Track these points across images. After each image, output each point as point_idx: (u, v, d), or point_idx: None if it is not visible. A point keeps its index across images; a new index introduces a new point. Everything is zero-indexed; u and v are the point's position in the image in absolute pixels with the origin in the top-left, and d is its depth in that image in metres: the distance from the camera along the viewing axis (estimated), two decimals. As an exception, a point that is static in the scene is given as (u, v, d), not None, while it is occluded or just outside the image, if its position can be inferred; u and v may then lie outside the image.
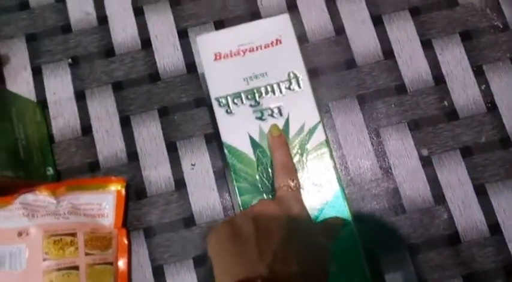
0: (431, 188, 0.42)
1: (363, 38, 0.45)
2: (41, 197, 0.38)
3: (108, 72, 0.46)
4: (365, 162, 0.43)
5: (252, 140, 0.35)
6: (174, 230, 0.42)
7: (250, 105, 0.36)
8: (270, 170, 0.35)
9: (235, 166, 0.35)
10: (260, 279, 0.25)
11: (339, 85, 0.44)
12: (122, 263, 0.39)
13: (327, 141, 0.35)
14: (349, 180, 0.42)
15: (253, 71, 0.37)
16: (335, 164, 0.35)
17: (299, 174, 0.34)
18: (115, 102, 0.45)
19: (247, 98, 0.36)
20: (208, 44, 0.37)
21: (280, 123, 0.35)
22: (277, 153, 0.34)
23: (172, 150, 0.44)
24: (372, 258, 0.40)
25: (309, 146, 0.35)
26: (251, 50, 0.37)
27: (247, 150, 0.35)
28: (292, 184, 0.32)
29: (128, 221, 0.42)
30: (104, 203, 0.41)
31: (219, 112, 0.36)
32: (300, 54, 0.37)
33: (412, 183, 0.42)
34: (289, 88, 0.36)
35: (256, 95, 0.36)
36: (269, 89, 0.36)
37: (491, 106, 0.43)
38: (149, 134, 0.44)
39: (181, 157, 0.44)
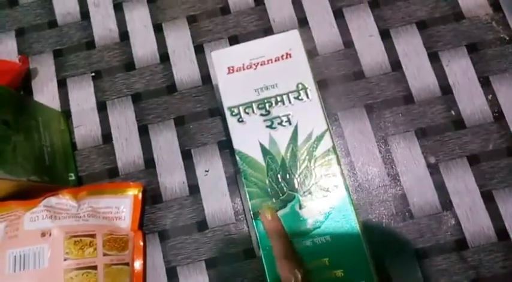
0: (439, 195, 0.42)
1: (371, 51, 0.47)
2: (64, 200, 0.41)
3: (128, 85, 0.49)
4: (373, 169, 0.44)
5: (262, 147, 0.37)
6: (187, 233, 0.43)
7: (261, 115, 0.38)
8: (279, 176, 0.36)
9: (246, 172, 0.37)
10: None
11: (347, 95, 0.46)
12: (137, 264, 0.41)
13: (334, 148, 0.36)
14: (357, 186, 0.43)
15: (264, 82, 0.39)
16: (342, 170, 0.36)
17: (307, 181, 0.36)
18: (134, 113, 0.48)
19: (258, 107, 0.38)
20: (223, 58, 0.40)
21: (290, 131, 0.37)
22: (276, 243, 0.34)
23: (187, 157, 0.46)
24: (380, 263, 0.41)
25: (316, 153, 0.37)
26: (262, 64, 0.39)
27: (258, 156, 0.37)
28: (294, 280, 0.33)
29: (144, 224, 0.44)
30: (121, 207, 0.43)
31: (232, 121, 0.38)
32: (308, 67, 0.39)
33: (420, 190, 0.43)
34: (297, 98, 0.38)
35: (267, 105, 0.38)
36: (279, 99, 0.38)
37: (499, 115, 0.44)
38: (166, 142, 0.47)
39: (196, 164, 0.46)
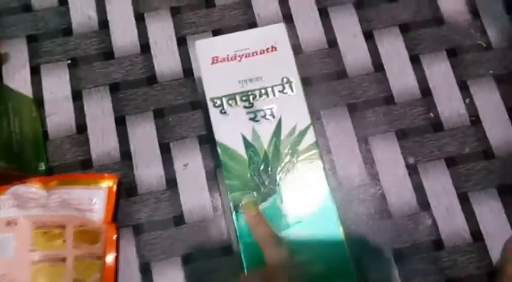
0: (417, 195, 0.43)
1: (354, 51, 0.47)
2: (33, 189, 0.39)
3: (106, 74, 0.47)
4: (353, 168, 0.44)
5: (244, 139, 0.36)
6: (163, 228, 0.42)
7: (244, 107, 0.37)
8: (260, 169, 0.36)
9: (227, 164, 0.36)
10: None
11: (330, 94, 0.46)
12: (109, 258, 0.39)
13: (317, 143, 0.36)
14: (337, 185, 0.43)
15: (249, 74, 0.38)
16: (324, 165, 0.36)
17: (289, 175, 0.35)
18: (111, 103, 0.46)
19: (241, 99, 0.37)
20: (207, 48, 0.39)
21: (273, 124, 0.37)
22: (259, 231, 0.34)
23: (165, 150, 0.45)
24: (357, 261, 0.41)
25: (299, 147, 0.36)
26: (247, 56, 0.39)
27: (240, 149, 0.36)
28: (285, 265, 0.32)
29: (118, 218, 0.42)
30: (94, 199, 0.41)
31: (214, 112, 0.37)
32: (293, 61, 0.38)
33: (398, 190, 0.43)
34: (282, 92, 0.37)
35: (251, 97, 0.37)
36: (263, 92, 0.37)
37: (475, 119, 0.45)
38: (143, 134, 0.45)
39: (174, 157, 0.44)
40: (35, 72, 0.48)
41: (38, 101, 0.46)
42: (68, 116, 0.46)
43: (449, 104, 0.45)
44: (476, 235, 0.42)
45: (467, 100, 0.46)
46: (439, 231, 0.42)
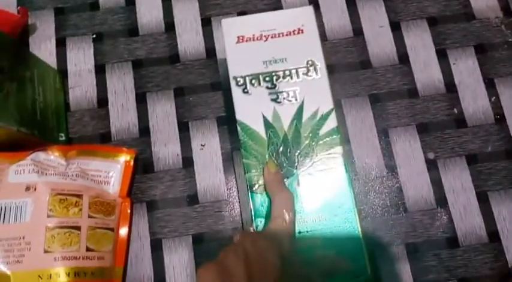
0: (434, 191, 0.42)
1: (379, 42, 0.47)
2: (52, 157, 0.39)
3: (130, 50, 0.48)
4: (372, 159, 0.43)
5: (265, 120, 0.36)
6: (176, 206, 0.42)
7: (267, 87, 0.37)
8: (279, 150, 0.36)
9: (246, 143, 0.36)
10: None
11: (353, 83, 0.45)
12: (123, 231, 0.40)
13: (338, 128, 0.36)
14: (355, 175, 0.43)
15: (273, 55, 0.38)
16: (344, 150, 0.36)
17: (308, 159, 0.35)
18: (133, 79, 0.47)
19: (264, 80, 0.37)
20: (233, 27, 0.39)
21: (295, 106, 0.36)
22: (277, 189, 0.34)
23: (183, 129, 0.45)
24: (370, 253, 0.40)
25: (320, 132, 0.36)
26: (273, 36, 0.38)
27: (260, 129, 0.36)
28: (287, 218, 0.32)
29: (133, 193, 0.42)
30: (111, 172, 0.41)
31: (236, 91, 0.37)
32: (320, 44, 0.38)
33: (416, 184, 0.42)
34: (306, 74, 0.37)
35: (274, 78, 0.37)
36: (287, 73, 0.37)
37: (500, 118, 0.44)
38: (163, 112, 0.45)
39: (192, 137, 0.44)
40: (61, 44, 0.48)
41: (62, 72, 0.47)
42: (90, 89, 0.46)
43: (474, 101, 0.45)
44: (493, 235, 0.41)
45: (493, 98, 0.45)
46: (455, 228, 0.41)
